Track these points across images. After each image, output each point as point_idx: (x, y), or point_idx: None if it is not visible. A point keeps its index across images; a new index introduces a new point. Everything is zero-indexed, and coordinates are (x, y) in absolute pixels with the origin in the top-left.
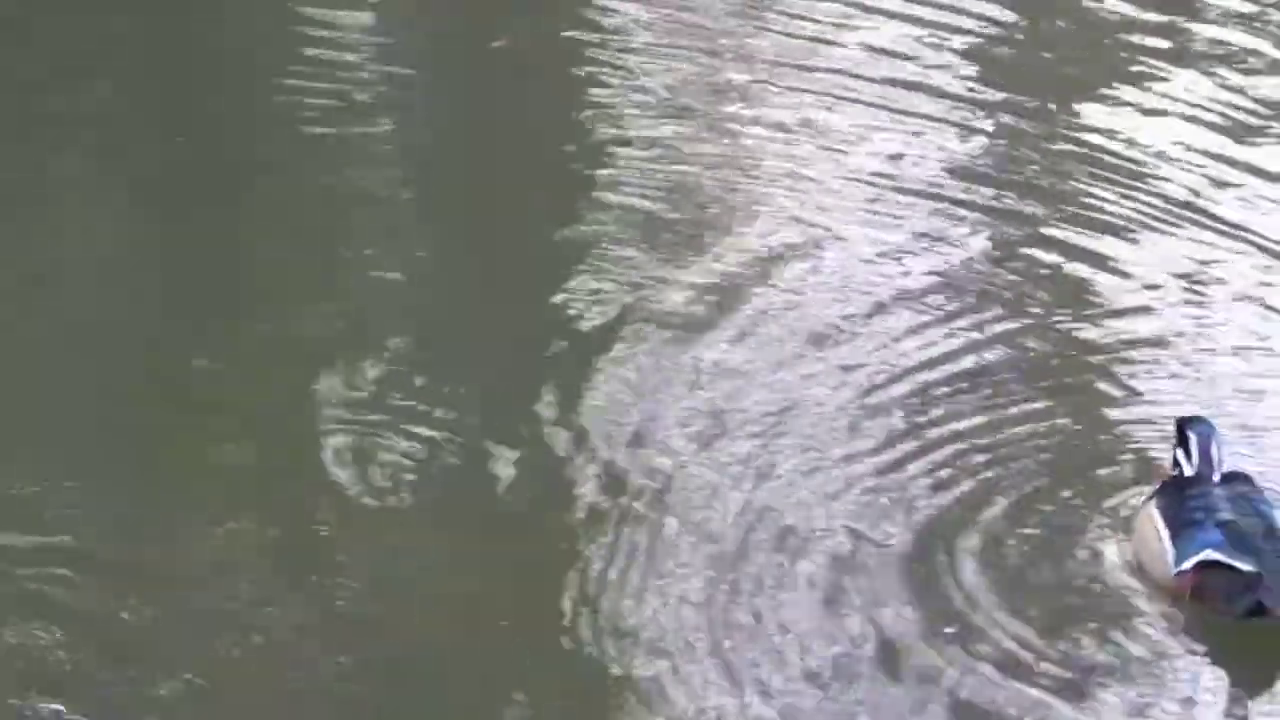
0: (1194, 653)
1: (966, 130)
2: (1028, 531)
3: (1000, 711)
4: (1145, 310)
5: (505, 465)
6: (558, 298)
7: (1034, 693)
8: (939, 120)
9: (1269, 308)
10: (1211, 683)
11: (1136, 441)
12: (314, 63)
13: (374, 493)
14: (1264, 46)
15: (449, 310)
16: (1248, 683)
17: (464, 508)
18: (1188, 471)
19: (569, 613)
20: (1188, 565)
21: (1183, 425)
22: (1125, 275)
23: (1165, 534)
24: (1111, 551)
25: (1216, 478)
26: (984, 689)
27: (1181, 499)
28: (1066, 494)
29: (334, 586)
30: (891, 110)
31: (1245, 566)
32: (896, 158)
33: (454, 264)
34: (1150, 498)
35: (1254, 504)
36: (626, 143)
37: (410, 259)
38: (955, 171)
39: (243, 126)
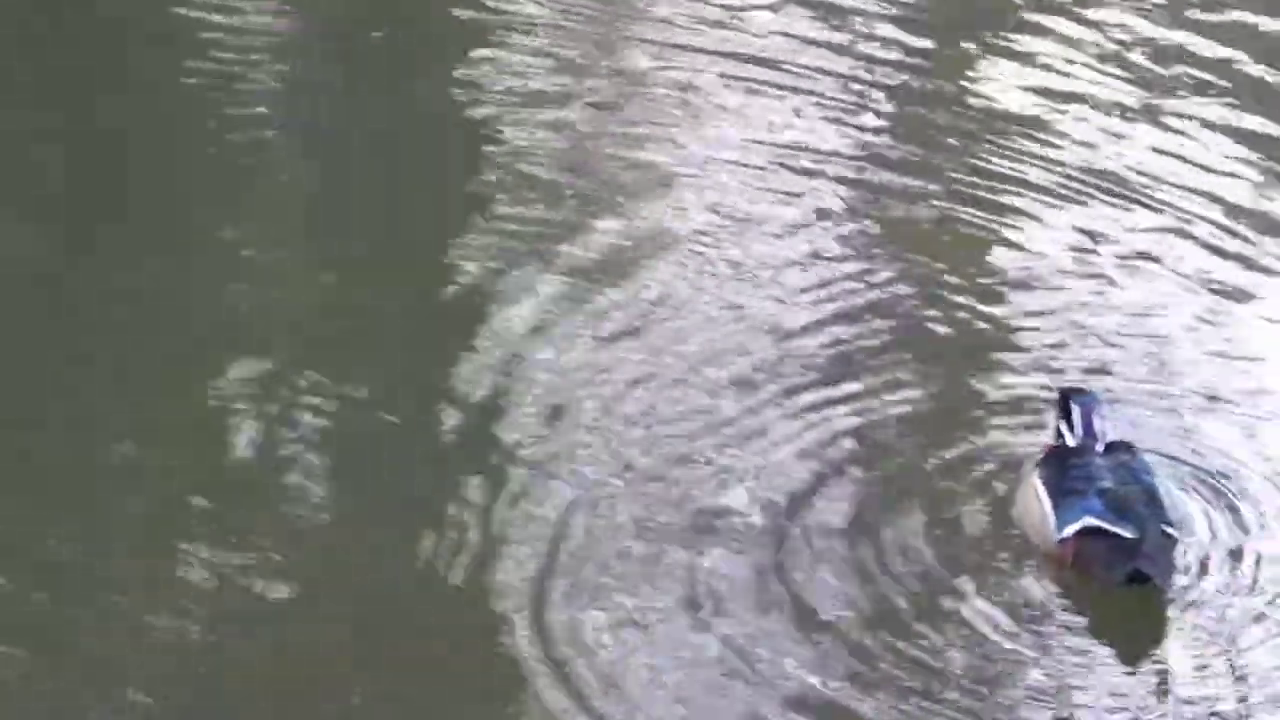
0: (1073, 620)
1: (879, 96)
2: (912, 497)
3: (879, 685)
4: (1044, 275)
5: (416, 447)
6: (467, 276)
7: (913, 663)
8: (836, 97)
9: (1167, 269)
10: (1090, 650)
11: (1027, 407)
12: (210, 34)
13: (287, 476)
14: (1163, 24)
15: (357, 296)
16: (1126, 650)
17: (371, 487)
18: (1071, 442)
19: (490, 595)
20: (1068, 532)
21: (1066, 396)
22: (1025, 241)
23: (1047, 502)
24: (995, 519)
25: (1100, 448)
26: (863, 659)
27: (1064, 468)
28: (954, 459)
29: (247, 560)
30: (790, 89)
31: (1125, 533)
32: (795, 133)
33: (356, 250)
34: (1033, 468)
35: (1135, 473)
36: (523, 122)
37: (312, 244)
38: (854, 145)
39: (141, 118)
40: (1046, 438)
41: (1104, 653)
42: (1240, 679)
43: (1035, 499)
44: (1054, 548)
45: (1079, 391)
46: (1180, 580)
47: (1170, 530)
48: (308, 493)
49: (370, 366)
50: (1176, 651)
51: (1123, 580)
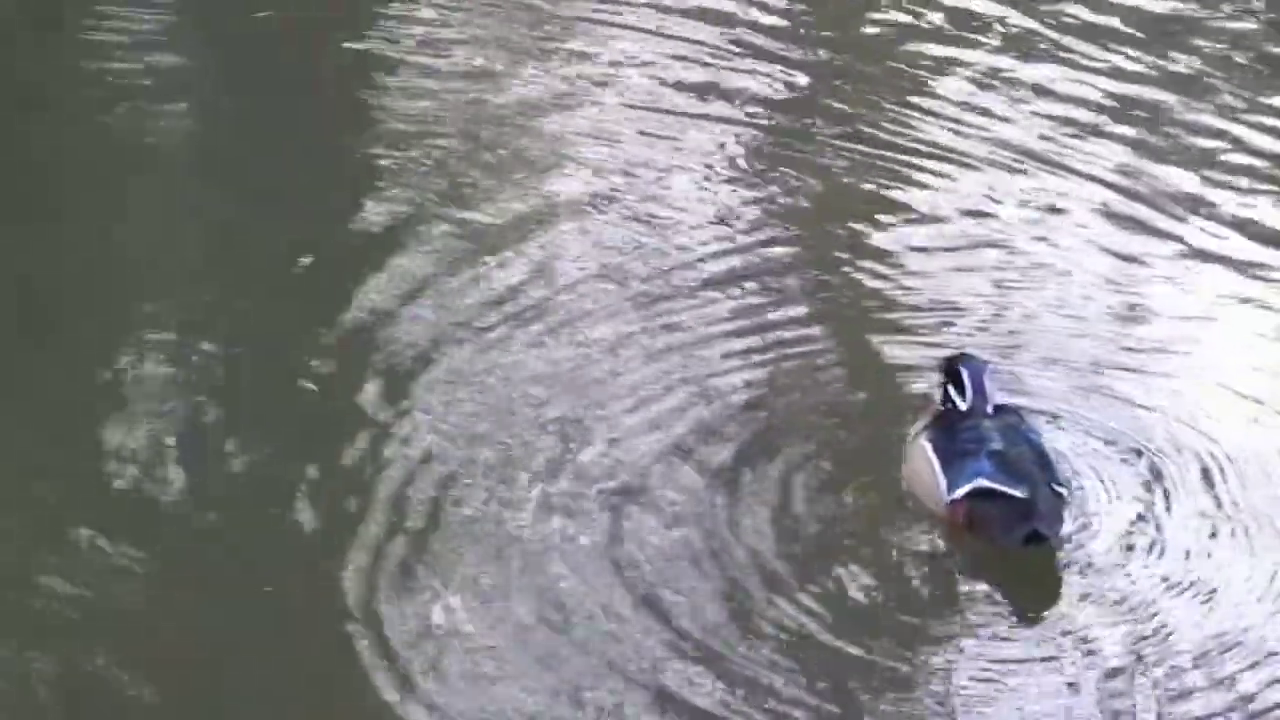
0: (968, 582)
1: (780, 64)
2: (803, 460)
3: (776, 654)
4: (947, 236)
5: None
6: (360, 240)
7: (810, 630)
8: (743, 58)
9: (1069, 230)
10: (985, 610)
11: (926, 367)
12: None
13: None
14: None
15: (247, 265)
16: (1022, 609)
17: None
18: (961, 406)
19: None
20: (959, 494)
21: (954, 362)
22: (929, 203)
23: (937, 465)
24: (887, 482)
25: (990, 410)
26: (758, 629)
27: (953, 431)
28: (849, 419)
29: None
30: (706, 45)
31: (1018, 492)
32: (710, 90)
33: (239, 238)
34: (920, 432)
35: (1024, 434)
36: (430, 77)
37: (193, 229)
38: (760, 106)
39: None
40: (935, 402)
41: (1000, 612)
42: (1139, 638)
43: (925, 462)
44: (945, 510)
45: (966, 357)
46: (1075, 539)
47: (1060, 489)
48: (183, 471)
49: (256, 338)
50: (1073, 612)
51: (1021, 542)
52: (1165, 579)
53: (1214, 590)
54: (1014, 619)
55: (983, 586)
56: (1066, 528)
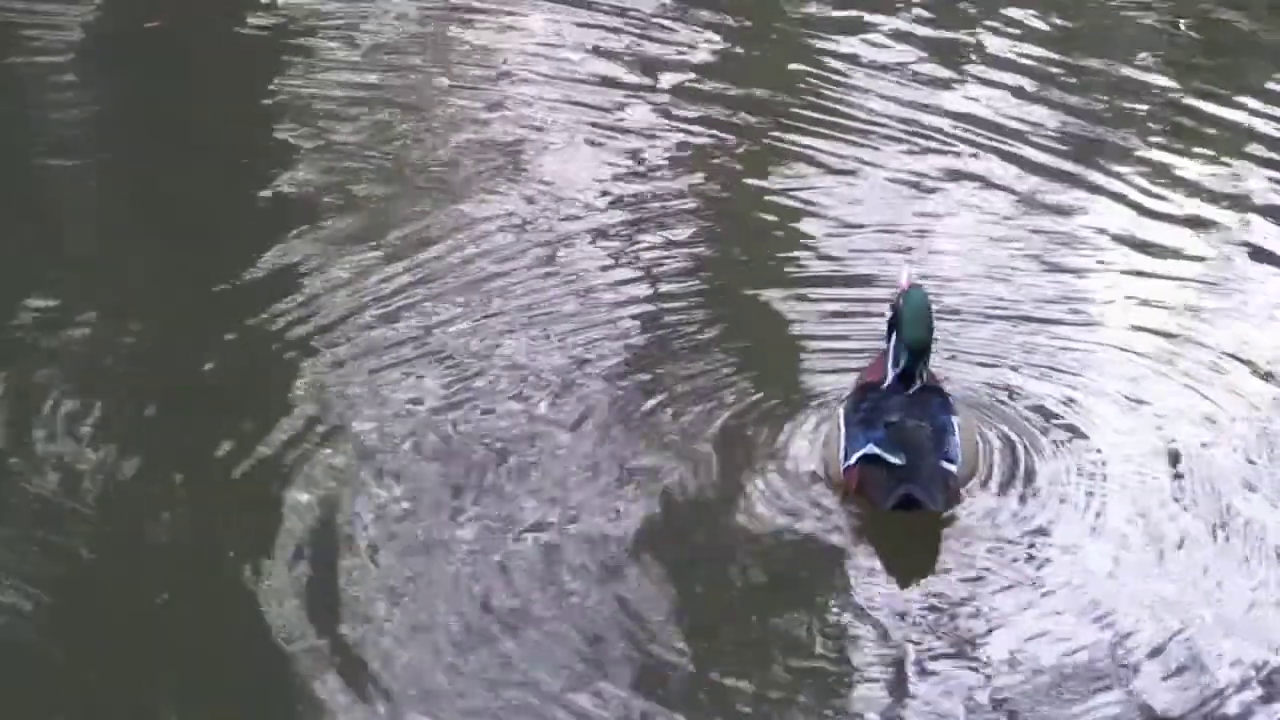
0: (853, 544)
1: (691, 27)
2: (705, 427)
3: (664, 611)
4: (873, 200)
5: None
6: (262, 219)
7: (694, 591)
8: (663, 20)
9: (993, 193)
10: (864, 571)
11: (850, 335)
12: None
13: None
14: None
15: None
16: (899, 571)
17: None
18: (888, 380)
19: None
20: (852, 460)
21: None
22: (855, 169)
23: (843, 433)
24: (789, 449)
25: (900, 385)
26: (647, 584)
27: (864, 403)
28: (749, 391)
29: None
30: (606, 11)
31: (895, 460)
32: (620, 57)
33: (134, 241)
34: (843, 402)
35: (932, 410)
36: (329, 71)
37: (81, 235)
38: (677, 79)
39: None
40: (863, 372)
41: (881, 574)
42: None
43: (835, 430)
44: (842, 476)
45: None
46: (964, 503)
47: (949, 464)
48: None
49: (172, 348)
50: (950, 571)
51: (894, 505)
52: (1045, 534)
53: (1096, 549)
54: (892, 581)
55: (868, 550)
56: (947, 498)
